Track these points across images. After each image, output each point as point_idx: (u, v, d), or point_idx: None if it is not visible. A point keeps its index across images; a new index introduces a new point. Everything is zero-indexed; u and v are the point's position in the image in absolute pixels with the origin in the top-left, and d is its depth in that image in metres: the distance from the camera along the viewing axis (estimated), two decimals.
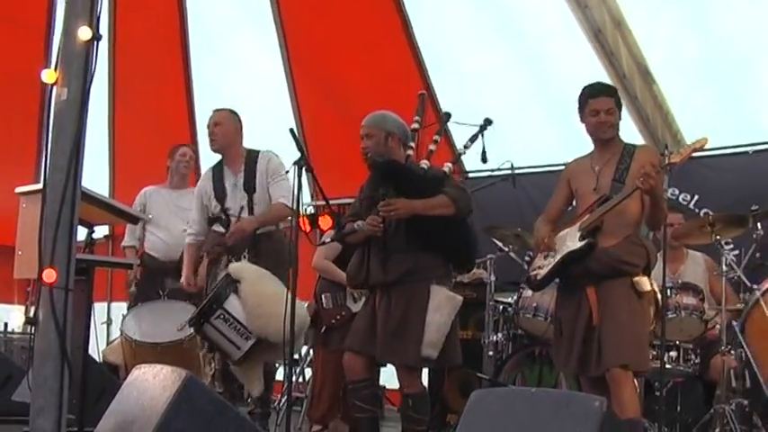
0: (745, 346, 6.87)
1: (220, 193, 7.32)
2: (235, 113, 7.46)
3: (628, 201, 5.57)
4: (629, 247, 5.67)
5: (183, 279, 7.60)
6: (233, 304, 6.40)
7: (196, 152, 9.68)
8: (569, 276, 5.82)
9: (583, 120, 5.94)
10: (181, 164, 8.77)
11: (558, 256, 5.78)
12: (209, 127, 7.42)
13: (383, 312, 5.91)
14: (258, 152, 7.39)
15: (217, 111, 7.47)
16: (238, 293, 6.43)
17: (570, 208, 6.27)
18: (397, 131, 6.13)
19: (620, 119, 5.91)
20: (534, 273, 5.99)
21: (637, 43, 9.29)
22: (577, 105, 5.95)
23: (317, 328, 7.57)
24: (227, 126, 7.39)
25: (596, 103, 5.82)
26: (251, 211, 7.23)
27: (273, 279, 6.44)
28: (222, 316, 6.39)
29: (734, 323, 6.94)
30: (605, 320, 5.56)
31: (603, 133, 5.83)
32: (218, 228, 7.37)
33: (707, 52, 9.15)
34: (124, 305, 9.19)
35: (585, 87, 5.96)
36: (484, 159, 6.45)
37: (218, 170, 7.44)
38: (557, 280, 6.10)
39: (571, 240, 5.75)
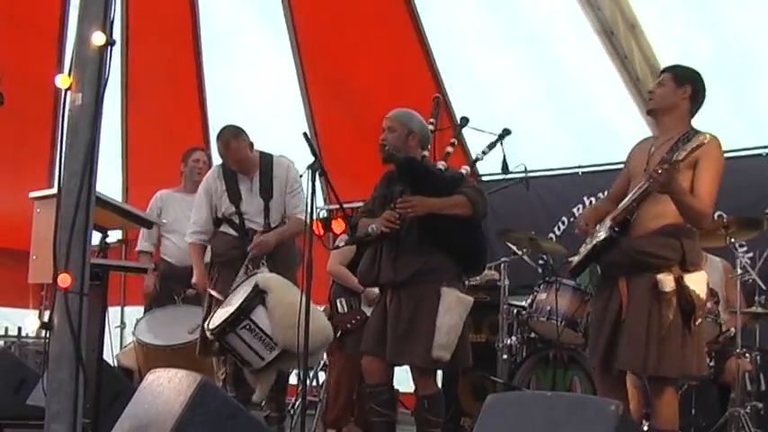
0: None
1: (235, 195, 7.31)
2: (239, 132, 7.41)
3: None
4: (659, 239, 5.32)
5: (195, 278, 7.58)
6: (260, 315, 6.43)
7: (209, 156, 9.68)
8: (606, 266, 5.57)
9: None
10: (195, 170, 8.75)
11: (589, 246, 5.54)
12: (223, 157, 7.43)
13: (393, 313, 5.92)
14: (272, 156, 7.40)
15: (223, 140, 7.40)
16: (265, 304, 6.44)
17: None
18: (419, 132, 6.12)
19: (678, 91, 5.52)
20: (570, 260, 5.90)
21: (650, 45, 9.27)
22: None
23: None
24: (240, 146, 7.36)
25: (658, 78, 5.66)
26: (267, 218, 7.24)
27: (299, 291, 6.40)
28: (248, 326, 6.41)
29: None
30: (627, 318, 5.31)
31: (649, 104, 5.63)
32: (227, 229, 7.36)
33: (720, 53, 9.12)
34: (138, 309, 9.21)
35: None
36: (505, 170, 6.45)
37: (228, 170, 7.44)
38: (572, 282, 6.06)
39: (602, 230, 5.49)
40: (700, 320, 5.38)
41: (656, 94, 5.56)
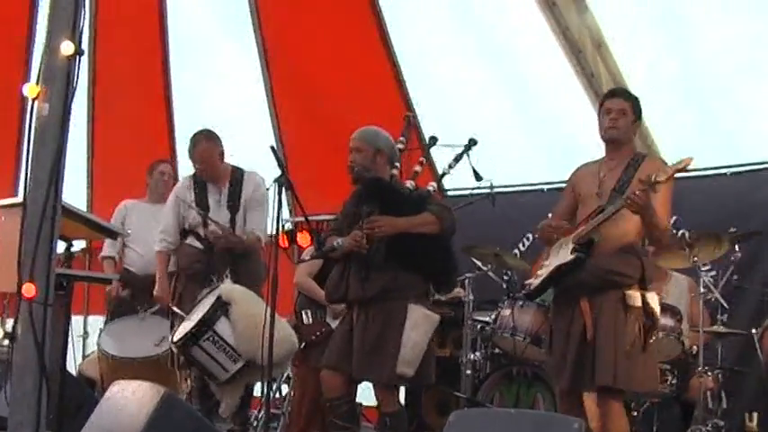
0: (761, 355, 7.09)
1: (203, 207, 7.32)
2: (212, 136, 7.46)
3: (624, 212, 5.36)
4: (623, 257, 5.51)
5: (156, 289, 7.58)
6: (223, 327, 6.40)
7: (175, 168, 9.66)
8: (563, 288, 5.69)
9: (599, 122, 5.81)
10: (160, 182, 8.78)
11: (551, 267, 5.65)
12: (195, 162, 7.46)
13: (360, 329, 5.94)
14: (243, 171, 7.41)
15: (194, 139, 7.45)
16: (228, 316, 6.42)
17: None
18: (386, 150, 6.15)
19: (634, 125, 5.77)
20: (529, 282, 5.94)
21: (617, 64, 9.32)
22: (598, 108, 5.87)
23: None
24: (211, 153, 7.42)
25: (611, 103, 5.72)
26: (233, 230, 7.26)
27: (263, 302, 6.40)
28: (212, 338, 6.39)
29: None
30: (597, 337, 5.43)
31: (607, 133, 5.70)
32: (193, 242, 7.36)
33: (686, 73, 9.18)
34: (101, 318, 9.16)
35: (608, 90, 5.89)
36: (478, 177, 6.48)
37: (200, 180, 7.44)
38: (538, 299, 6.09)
39: (564, 251, 5.60)
40: (654, 338, 5.61)
41: (620, 123, 5.68)
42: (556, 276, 5.62)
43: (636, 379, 5.47)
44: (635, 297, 5.44)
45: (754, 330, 7.32)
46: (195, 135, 7.47)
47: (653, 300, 5.56)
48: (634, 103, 5.76)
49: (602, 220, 5.44)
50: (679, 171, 5.23)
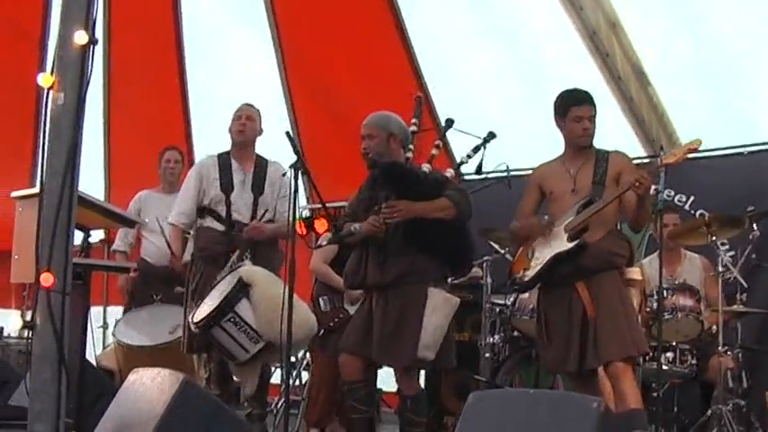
0: None
1: (227, 185, 7.32)
2: (260, 114, 7.55)
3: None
4: (615, 240, 5.87)
5: (170, 258, 7.63)
6: (244, 308, 6.39)
7: (190, 152, 9.66)
8: (556, 276, 5.88)
9: (561, 124, 6.04)
10: (167, 170, 8.83)
11: (548, 257, 5.85)
12: (240, 117, 7.47)
13: (379, 314, 5.93)
14: (267, 160, 7.43)
15: (249, 105, 7.54)
16: (249, 298, 6.42)
17: None
18: (398, 133, 6.14)
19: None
20: (520, 275, 6.03)
21: (632, 45, 9.29)
22: (555, 109, 6.06)
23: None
24: (256, 124, 7.51)
25: (581, 110, 5.93)
26: (254, 212, 7.26)
27: (283, 284, 6.40)
28: (233, 319, 6.37)
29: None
30: (600, 313, 5.67)
31: (585, 141, 5.96)
32: (213, 224, 7.34)
33: (700, 53, 9.16)
34: (120, 309, 9.19)
35: (566, 92, 6.08)
36: (479, 172, 6.51)
37: (225, 159, 7.45)
38: None
39: (557, 242, 5.83)
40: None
41: (592, 130, 5.98)
42: (554, 265, 5.82)
43: (642, 343, 5.83)
44: (633, 271, 6.03)
45: None
46: (249, 103, 7.58)
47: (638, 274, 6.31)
48: (594, 103, 6.03)
49: (601, 207, 5.71)
50: (689, 152, 5.55)
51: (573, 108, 5.93)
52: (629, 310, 5.84)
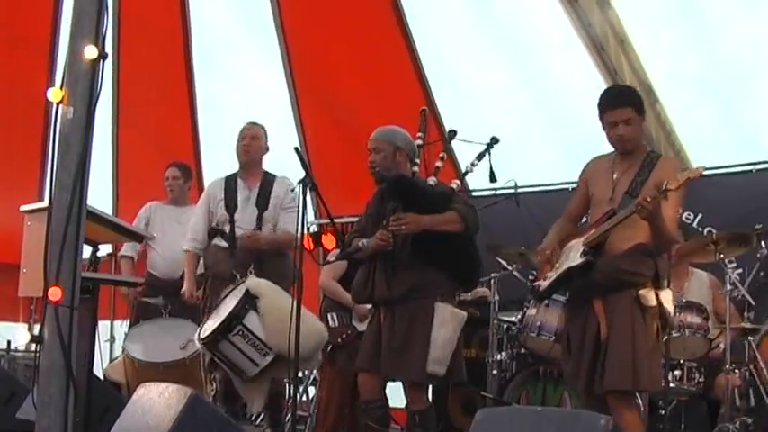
0: (760, 361, 6.90)
1: (231, 204, 7.39)
2: (266, 133, 7.64)
3: (635, 216, 5.22)
4: (636, 257, 5.37)
5: (184, 289, 7.63)
6: (253, 320, 6.37)
7: (198, 164, 9.69)
8: (576, 289, 5.65)
9: (603, 127, 5.60)
10: (167, 186, 8.89)
11: (561, 270, 5.60)
12: (244, 137, 7.57)
13: (387, 329, 5.92)
14: (275, 176, 7.47)
15: (254, 125, 7.63)
16: (257, 310, 6.41)
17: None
18: (405, 147, 6.15)
19: (641, 124, 5.59)
20: (538, 283, 5.92)
21: (639, 60, 9.29)
22: (598, 110, 5.60)
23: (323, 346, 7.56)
24: (261, 143, 7.61)
25: (614, 115, 5.47)
26: (258, 227, 7.32)
27: (290, 296, 6.38)
28: (241, 332, 6.34)
29: (750, 339, 6.93)
30: (610, 337, 5.33)
31: (623, 147, 5.53)
32: (219, 242, 7.39)
33: (708, 69, 9.16)
34: (127, 323, 9.19)
35: (603, 92, 5.67)
36: (492, 179, 6.47)
37: (231, 180, 7.56)
38: (563, 297, 6.08)
39: (575, 254, 5.54)
40: (666, 337, 5.67)
41: (628, 135, 5.50)
42: (565, 279, 5.57)
43: (646, 379, 5.38)
44: (649, 297, 5.35)
45: None
46: (253, 123, 7.66)
47: (667, 298, 5.46)
48: (634, 102, 5.58)
49: (614, 224, 5.35)
50: (691, 180, 5.14)
51: (607, 113, 5.50)
52: (638, 338, 5.31)
